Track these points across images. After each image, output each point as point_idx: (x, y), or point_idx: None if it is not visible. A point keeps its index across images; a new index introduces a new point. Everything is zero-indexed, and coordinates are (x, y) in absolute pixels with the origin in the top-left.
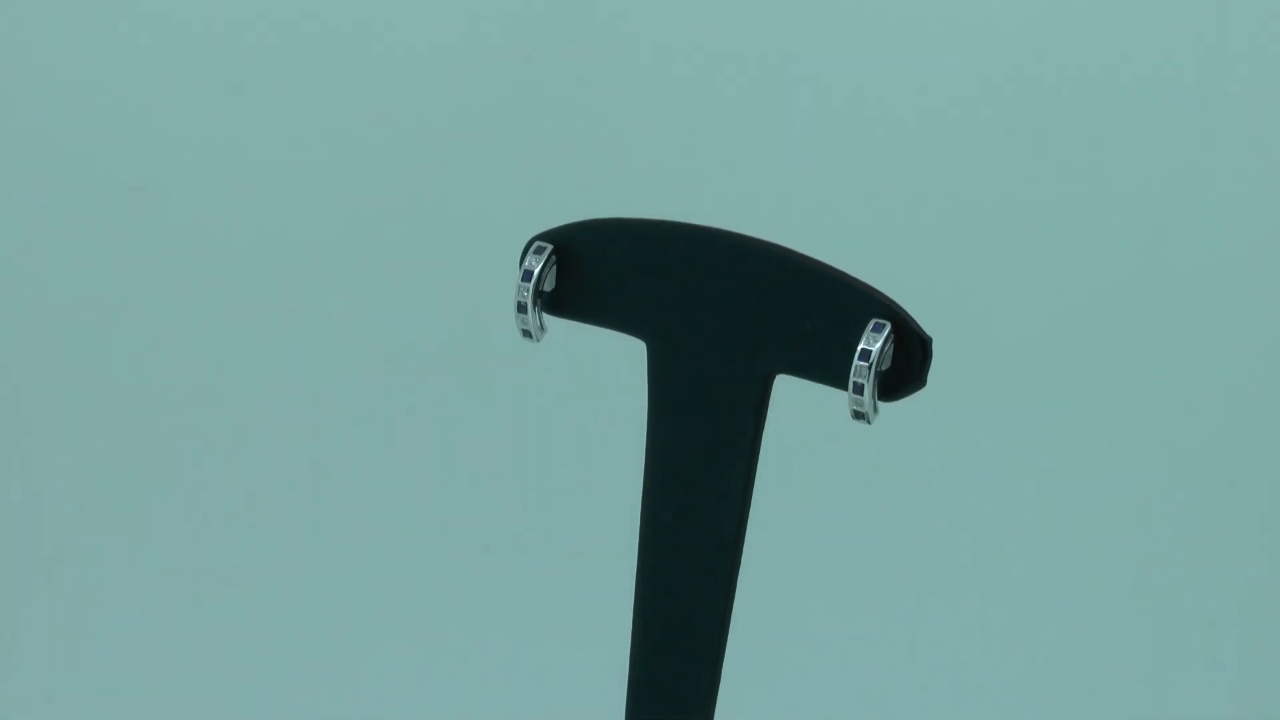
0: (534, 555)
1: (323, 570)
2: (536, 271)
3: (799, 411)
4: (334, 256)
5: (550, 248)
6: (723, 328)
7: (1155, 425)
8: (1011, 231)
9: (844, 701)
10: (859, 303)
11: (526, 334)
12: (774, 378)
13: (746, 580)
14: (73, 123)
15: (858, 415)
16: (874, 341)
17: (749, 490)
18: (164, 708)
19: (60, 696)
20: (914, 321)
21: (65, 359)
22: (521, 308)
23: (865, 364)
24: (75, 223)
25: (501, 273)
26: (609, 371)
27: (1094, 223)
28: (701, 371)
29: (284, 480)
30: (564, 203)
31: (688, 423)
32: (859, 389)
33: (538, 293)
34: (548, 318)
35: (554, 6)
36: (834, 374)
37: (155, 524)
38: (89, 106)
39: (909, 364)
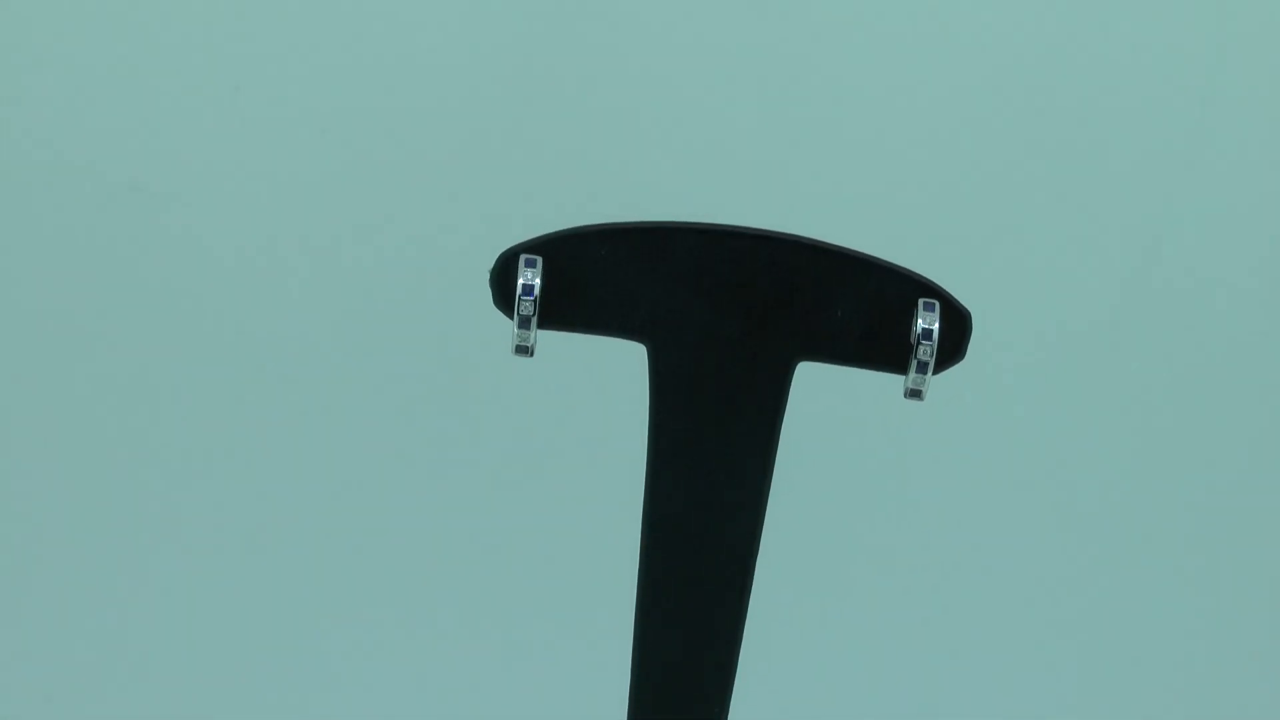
0: (534, 553)
1: (323, 571)
2: (538, 285)
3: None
4: (332, 256)
5: (540, 259)
6: (738, 322)
7: (1158, 420)
8: (999, 228)
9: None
10: (898, 284)
11: (523, 350)
12: (795, 366)
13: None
14: (72, 123)
15: (914, 394)
16: (931, 320)
17: (768, 482)
18: (164, 708)
19: (60, 696)
20: (953, 297)
21: (64, 358)
22: (525, 323)
23: (930, 343)
24: (74, 222)
25: (472, 278)
26: (596, 372)
27: (1087, 216)
28: (716, 369)
29: (285, 481)
30: (523, 207)
31: (702, 421)
32: (923, 368)
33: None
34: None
35: (513, 9)
36: (875, 356)
37: (156, 524)
38: (88, 106)
39: (951, 339)
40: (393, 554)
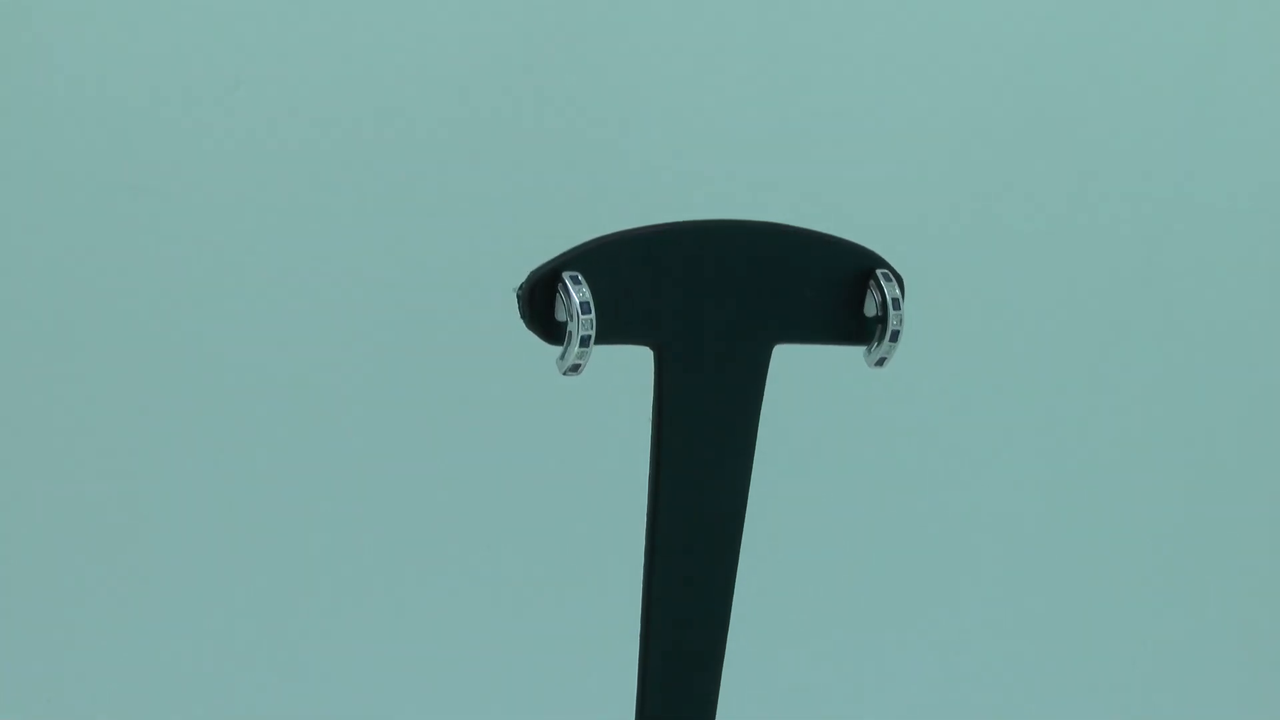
0: (535, 550)
1: (326, 572)
2: (593, 301)
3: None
4: (331, 255)
5: (581, 274)
6: (731, 314)
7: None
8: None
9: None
10: (852, 258)
11: (575, 369)
12: (773, 349)
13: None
14: (72, 122)
15: (881, 362)
16: (894, 289)
17: (751, 460)
18: (164, 708)
19: (60, 697)
20: (893, 266)
21: (64, 357)
22: (585, 342)
23: (900, 311)
24: (74, 222)
25: (477, 278)
26: (593, 369)
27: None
28: (714, 362)
29: (288, 482)
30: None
31: (702, 413)
32: (895, 337)
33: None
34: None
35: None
36: (838, 332)
37: (156, 525)
38: (88, 106)
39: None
40: (393, 548)
